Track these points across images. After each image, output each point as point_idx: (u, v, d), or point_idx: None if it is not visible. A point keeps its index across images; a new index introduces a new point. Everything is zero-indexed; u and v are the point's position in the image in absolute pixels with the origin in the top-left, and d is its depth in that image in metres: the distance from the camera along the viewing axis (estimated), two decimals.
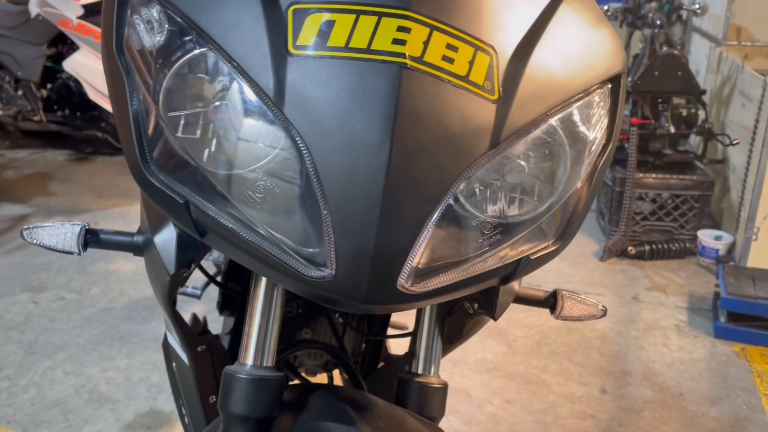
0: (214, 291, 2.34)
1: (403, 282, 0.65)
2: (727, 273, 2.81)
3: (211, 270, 1.88)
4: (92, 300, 2.83)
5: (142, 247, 0.89)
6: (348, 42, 0.63)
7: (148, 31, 0.69)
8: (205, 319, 1.23)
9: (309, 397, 0.83)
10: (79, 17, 3.92)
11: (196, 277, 1.43)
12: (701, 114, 3.54)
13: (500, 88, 0.67)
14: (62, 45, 4.21)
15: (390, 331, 1.30)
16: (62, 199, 3.92)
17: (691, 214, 3.41)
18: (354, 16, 0.64)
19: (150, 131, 0.69)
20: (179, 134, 0.67)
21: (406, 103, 0.62)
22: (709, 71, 3.98)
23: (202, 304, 2.56)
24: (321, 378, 1.34)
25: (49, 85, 4.30)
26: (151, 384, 2.29)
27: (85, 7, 3.93)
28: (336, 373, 1.40)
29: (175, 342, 1.03)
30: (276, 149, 0.65)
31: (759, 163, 3.02)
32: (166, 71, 0.67)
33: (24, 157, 4.65)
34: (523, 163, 0.70)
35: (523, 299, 0.93)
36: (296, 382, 1.22)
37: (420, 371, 0.89)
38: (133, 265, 3.10)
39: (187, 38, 0.67)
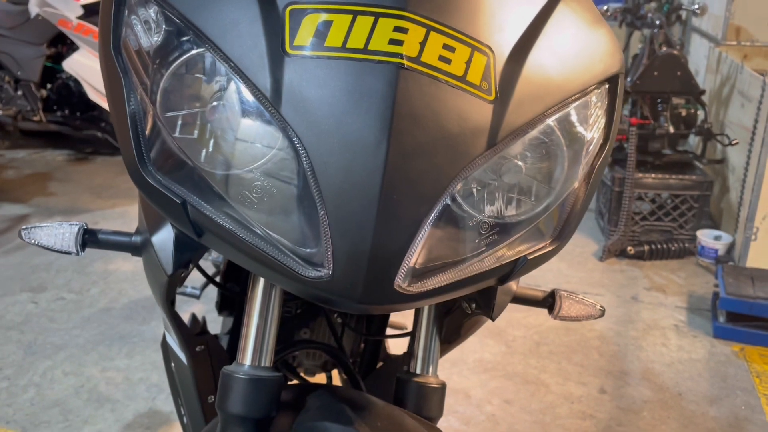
0: (213, 291, 2.34)
1: (401, 282, 0.65)
2: (727, 273, 2.81)
3: (210, 270, 1.88)
4: (92, 300, 2.83)
5: (140, 248, 0.89)
6: (345, 42, 0.63)
7: (145, 31, 0.69)
8: (203, 319, 1.23)
9: (307, 397, 0.83)
10: (79, 17, 3.92)
11: (196, 277, 1.43)
12: (700, 114, 3.54)
13: (497, 89, 0.67)
14: (62, 45, 4.21)
15: (388, 331, 1.30)
16: (62, 199, 3.92)
17: (691, 214, 3.41)
18: (351, 16, 0.64)
19: (147, 131, 0.69)
20: (176, 134, 0.67)
21: (403, 104, 0.62)
22: (709, 71, 3.98)
23: (201, 304, 2.56)
24: (319, 378, 1.34)
25: (48, 85, 4.30)
26: (150, 384, 2.29)
27: (85, 7, 3.94)
28: (334, 373, 1.40)
29: (173, 342, 1.03)
30: (273, 149, 0.65)
31: (758, 163, 3.02)
32: (164, 71, 0.67)
33: (24, 157, 4.65)
34: (520, 163, 0.70)
35: (521, 299, 0.93)
36: (294, 382, 1.22)
37: (418, 371, 0.89)
38: (132, 265, 3.10)
39: (185, 38, 0.67)
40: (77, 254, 0.85)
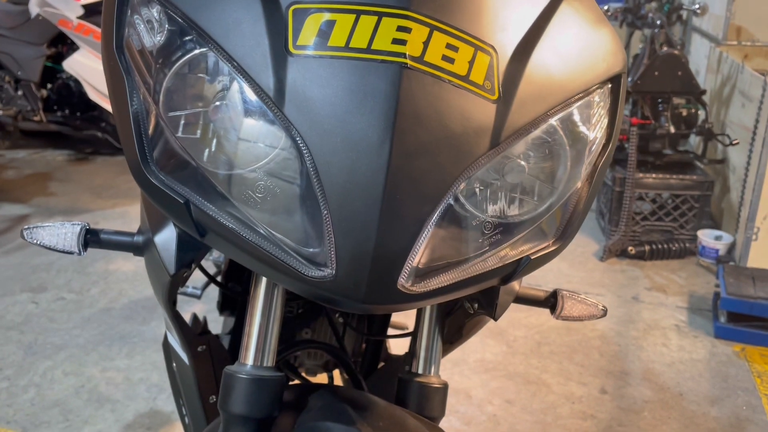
0: (214, 291, 2.34)
1: (404, 282, 0.65)
2: (727, 273, 2.81)
3: (212, 270, 1.88)
4: (92, 300, 2.83)
5: (142, 247, 0.89)
6: (348, 42, 0.63)
7: (148, 31, 0.69)
8: (205, 319, 1.23)
9: (309, 397, 0.83)
10: (79, 17, 3.92)
11: (197, 277, 1.43)
12: (701, 114, 3.54)
13: (500, 88, 0.67)
14: (62, 45, 4.21)
15: (390, 331, 1.30)
16: (62, 199, 3.92)
17: (691, 214, 3.41)
18: (354, 16, 0.64)
19: (150, 131, 0.69)
20: (179, 134, 0.67)
21: (406, 103, 0.62)
22: (709, 71, 3.98)
23: (202, 304, 2.56)
24: (321, 378, 1.34)
25: (49, 85, 4.30)
26: (150, 384, 2.29)
27: (85, 7, 3.93)
28: (336, 373, 1.40)
29: (175, 342, 1.03)
30: (276, 149, 0.65)
31: (759, 163, 3.02)
32: (167, 71, 0.67)
33: (24, 157, 4.65)
34: (523, 163, 0.70)
35: (523, 299, 0.93)
36: (296, 382, 1.22)
37: (420, 371, 0.89)
38: (132, 265, 3.10)
39: (188, 38, 0.67)
40: (79, 254, 0.85)
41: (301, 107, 0.63)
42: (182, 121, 0.67)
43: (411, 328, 0.96)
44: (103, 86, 3.66)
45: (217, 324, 1.57)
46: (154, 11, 0.68)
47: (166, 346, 1.17)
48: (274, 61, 0.64)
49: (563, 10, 0.74)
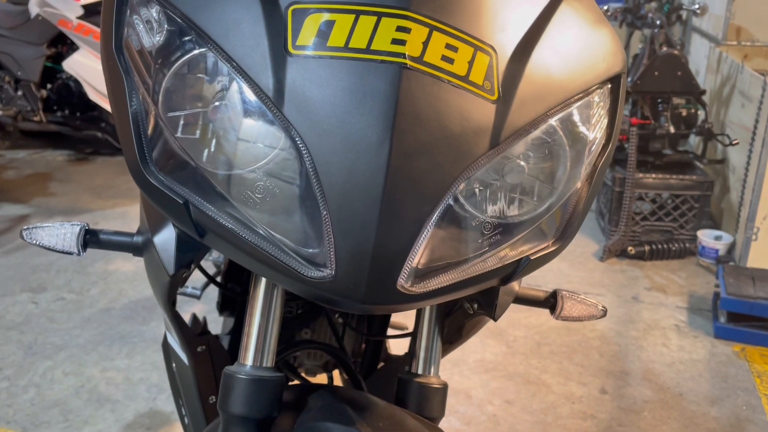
0: (213, 291, 2.34)
1: (403, 282, 0.65)
2: (727, 273, 2.81)
3: (211, 270, 1.88)
4: (92, 300, 2.83)
5: (141, 248, 0.89)
6: (347, 42, 0.63)
7: (147, 31, 0.69)
8: (204, 319, 1.23)
9: (309, 397, 0.83)
10: (79, 17, 3.92)
11: (196, 278, 1.43)
12: (701, 114, 3.54)
13: (500, 88, 0.67)
14: (62, 45, 4.21)
15: (390, 332, 1.30)
16: (62, 200, 3.91)
17: (691, 214, 3.41)
18: (353, 16, 0.64)
19: (149, 131, 0.69)
20: (179, 134, 0.67)
21: (406, 103, 0.62)
22: (709, 71, 3.98)
23: (201, 304, 2.56)
24: (321, 378, 1.34)
25: (49, 86, 4.30)
26: (150, 384, 2.28)
27: (85, 7, 3.94)
28: (336, 373, 1.40)
29: (174, 342, 1.03)
30: (275, 149, 0.65)
31: (759, 163, 3.02)
32: (166, 71, 0.67)
33: (24, 157, 4.65)
34: (522, 163, 0.70)
35: (523, 299, 0.93)
36: (296, 382, 1.21)
37: (420, 371, 0.89)
38: (132, 265, 3.10)
39: (187, 38, 0.67)
40: (79, 254, 0.85)
41: (300, 107, 0.63)
42: (181, 122, 0.67)
43: (411, 329, 0.96)
44: (103, 86, 3.64)
45: (216, 324, 1.57)
46: (154, 11, 0.68)
47: (166, 346, 1.17)
48: (274, 61, 0.64)
49: (563, 10, 0.74)
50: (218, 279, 1.37)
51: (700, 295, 2.99)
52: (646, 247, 3.30)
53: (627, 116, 3.57)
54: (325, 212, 0.63)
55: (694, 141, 3.92)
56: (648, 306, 2.91)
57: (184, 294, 2.12)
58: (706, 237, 3.28)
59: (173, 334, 1.01)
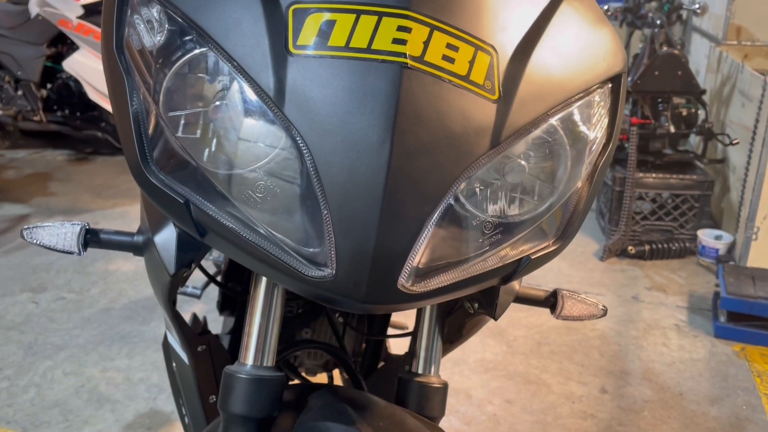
0: (214, 291, 2.34)
1: (404, 282, 0.65)
2: (727, 273, 2.81)
3: (211, 270, 1.88)
4: (92, 300, 2.83)
5: (142, 247, 0.89)
6: (348, 42, 0.63)
7: (148, 30, 0.69)
8: (205, 319, 1.23)
9: (309, 397, 0.83)
10: (79, 17, 3.92)
11: (196, 277, 1.43)
12: (701, 114, 3.54)
13: (500, 88, 0.67)
14: (62, 45, 4.21)
15: (390, 331, 1.30)
16: (62, 199, 3.91)
17: (691, 213, 3.42)
18: (354, 15, 0.64)
19: (150, 131, 0.69)
20: (179, 134, 0.67)
21: (407, 103, 0.62)
22: (709, 71, 3.98)
23: (202, 303, 2.56)
24: (321, 378, 1.34)
25: (49, 85, 4.30)
26: (151, 384, 2.29)
27: (85, 7, 3.94)
28: (336, 372, 1.40)
29: (175, 342, 1.03)
30: (276, 149, 0.65)
31: (759, 163, 3.02)
32: (167, 71, 0.67)
33: (24, 157, 4.65)
34: (523, 162, 0.70)
35: (523, 299, 0.93)
36: (296, 382, 1.22)
37: (420, 371, 0.89)
38: (132, 265, 3.10)
39: (188, 38, 0.67)
40: (79, 254, 0.85)
41: (301, 107, 0.63)
42: (182, 121, 0.67)
43: (411, 328, 0.96)
44: (103, 86, 3.65)
45: (217, 324, 1.57)
46: (154, 11, 0.68)
47: (166, 346, 1.17)
48: (274, 60, 0.64)
49: (563, 10, 0.74)
50: (219, 278, 1.37)
51: (700, 295, 2.99)
52: (647, 247, 3.30)
53: (627, 116, 3.57)
54: (325, 212, 0.63)
55: (695, 141, 3.92)
56: (648, 305, 2.91)
57: (185, 293, 2.12)
58: (706, 236, 3.28)
59: (173, 334, 1.01)
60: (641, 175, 3.37)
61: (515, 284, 0.90)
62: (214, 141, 0.66)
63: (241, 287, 1.19)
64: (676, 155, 3.51)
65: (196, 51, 0.67)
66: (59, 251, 0.85)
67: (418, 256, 0.65)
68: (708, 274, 3.19)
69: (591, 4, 0.78)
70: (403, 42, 0.63)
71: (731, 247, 3.26)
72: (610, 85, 0.76)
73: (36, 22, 4.07)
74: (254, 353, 0.79)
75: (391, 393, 0.90)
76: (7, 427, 2.07)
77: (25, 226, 0.87)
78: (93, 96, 3.91)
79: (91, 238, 0.86)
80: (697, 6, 3.68)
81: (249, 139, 0.65)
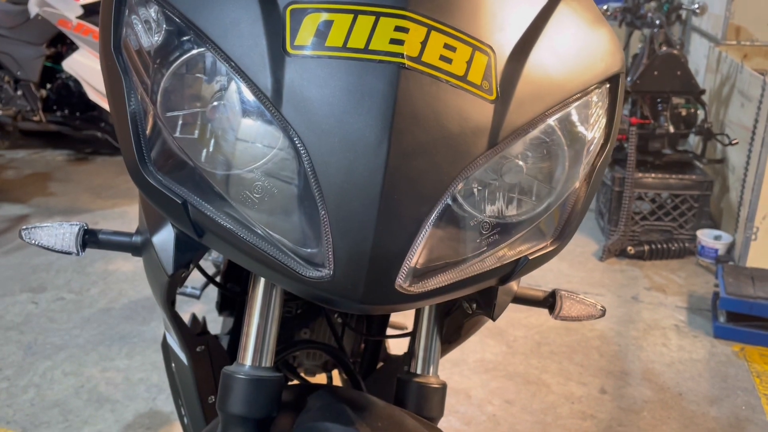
0: (213, 291, 2.34)
1: (401, 282, 0.65)
2: (727, 273, 2.81)
3: (210, 270, 1.88)
4: (92, 300, 2.83)
5: (140, 248, 0.89)
6: (346, 42, 0.63)
7: (146, 31, 0.69)
8: (204, 319, 1.23)
9: (308, 397, 0.83)
10: (79, 17, 3.92)
11: (196, 278, 1.43)
12: (700, 114, 3.54)
13: (498, 88, 0.67)
14: (62, 45, 4.21)
15: (389, 332, 1.30)
16: (62, 199, 3.91)
17: (691, 213, 3.41)
18: (352, 16, 0.64)
19: (148, 131, 0.69)
20: (177, 134, 0.67)
21: (404, 103, 0.62)
22: (709, 71, 3.98)
23: (201, 304, 2.56)
24: (320, 378, 1.34)
25: (48, 85, 4.30)
26: (150, 384, 2.28)
27: (85, 7, 3.94)
28: (335, 373, 1.40)
29: (174, 342, 1.03)
30: (274, 149, 0.65)
31: (758, 163, 3.02)
32: (164, 71, 0.67)
33: (23, 157, 4.64)
34: (521, 163, 0.70)
35: (521, 299, 0.93)
36: (295, 382, 1.22)
37: (419, 371, 0.89)
38: (132, 265, 3.09)
39: (185, 38, 0.67)
40: (77, 254, 0.85)
41: (298, 107, 0.63)
42: (180, 122, 0.67)
43: (410, 329, 0.96)
44: (103, 86, 3.64)
45: (216, 324, 1.57)
46: (152, 11, 0.68)
47: (165, 346, 1.17)
48: (272, 61, 0.64)
49: (561, 10, 0.74)
50: (217, 279, 1.37)
51: (699, 295, 2.99)
52: (646, 247, 3.30)
53: (626, 116, 3.57)
54: (323, 212, 0.63)
55: (694, 141, 3.92)
56: (648, 306, 2.91)
57: (184, 294, 2.12)
58: (705, 237, 3.28)
59: (172, 334, 1.01)
60: (640, 175, 3.37)
61: (513, 285, 0.90)
62: (212, 141, 0.66)
63: (240, 288, 1.19)
64: (676, 155, 3.51)
65: (194, 51, 0.67)
66: (57, 252, 0.85)
67: (416, 256, 0.65)
68: (707, 274, 3.19)
69: (589, 4, 0.78)
70: (400, 42, 0.63)
71: (730, 248, 3.26)
72: (608, 86, 0.76)
73: (35, 22, 4.07)
74: (253, 354, 0.79)
75: (390, 393, 0.90)
76: (7, 427, 2.07)
77: (24, 227, 0.86)
78: (92, 96, 3.91)
79: (89, 239, 0.86)
80: (696, 6, 3.67)
81: (247, 140, 0.65)
